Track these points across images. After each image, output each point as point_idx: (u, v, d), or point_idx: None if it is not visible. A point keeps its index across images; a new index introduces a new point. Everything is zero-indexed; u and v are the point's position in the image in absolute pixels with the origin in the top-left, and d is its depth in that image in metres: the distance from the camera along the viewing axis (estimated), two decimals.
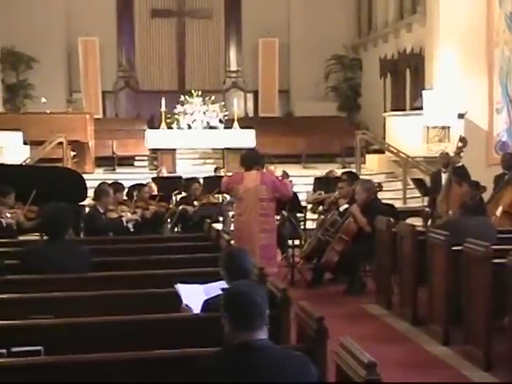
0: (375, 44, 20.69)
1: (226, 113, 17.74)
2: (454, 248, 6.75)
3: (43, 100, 17.51)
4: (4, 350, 4.15)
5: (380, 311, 8.27)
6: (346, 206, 9.66)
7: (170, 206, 10.67)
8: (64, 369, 3.75)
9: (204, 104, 17.33)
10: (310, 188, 12.52)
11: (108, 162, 18.28)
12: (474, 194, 9.58)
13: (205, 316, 4.43)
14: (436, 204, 11.15)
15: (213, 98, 18.06)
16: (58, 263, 5.65)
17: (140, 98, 22.29)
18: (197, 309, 4.62)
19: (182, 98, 17.54)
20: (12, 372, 3.74)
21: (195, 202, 10.76)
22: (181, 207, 10.19)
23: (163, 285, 5.39)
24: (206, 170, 16.73)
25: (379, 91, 19.65)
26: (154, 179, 12.31)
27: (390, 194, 14.29)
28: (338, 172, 14.94)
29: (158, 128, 17.53)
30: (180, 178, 12.45)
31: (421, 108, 16.09)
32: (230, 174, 9.18)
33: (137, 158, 19.33)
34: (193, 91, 17.70)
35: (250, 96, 22.78)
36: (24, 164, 13.93)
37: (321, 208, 12.37)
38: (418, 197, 14.83)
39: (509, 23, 15.82)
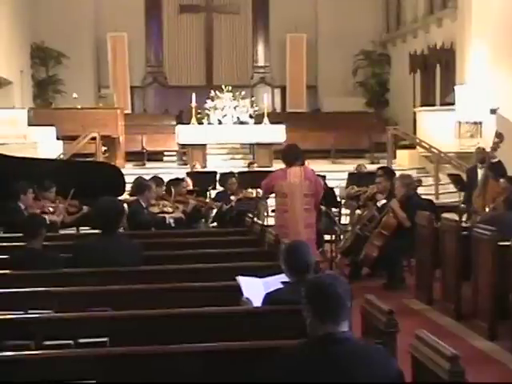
0: (404, 39, 20.64)
1: (256, 108, 17.76)
2: (500, 243, 6.75)
3: (74, 95, 17.65)
4: (71, 341, 4.23)
5: (421, 306, 8.27)
6: (384, 201, 9.66)
7: (207, 200, 10.72)
8: (130, 360, 3.79)
9: (234, 99, 17.34)
10: (339, 183, 12.51)
11: (137, 156, 18.37)
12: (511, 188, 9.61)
13: (266, 309, 4.47)
14: (472, 200, 11.15)
15: (243, 93, 18.09)
16: (110, 257, 5.70)
17: (168, 94, 22.39)
18: (257, 302, 4.66)
19: (212, 93, 17.54)
20: (79, 362, 3.79)
21: (232, 197, 10.80)
22: (220, 203, 10.22)
23: (215, 278, 5.45)
24: (236, 165, 16.83)
25: (408, 87, 19.60)
26: (188, 174, 12.36)
27: (422, 190, 14.21)
28: (368, 166, 15.01)
29: (188, 123, 17.58)
30: (214, 172, 12.50)
31: (452, 103, 16.08)
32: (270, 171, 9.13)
33: (166, 153, 19.42)
34: (223, 86, 17.70)
35: (277, 91, 22.80)
36: (63, 159, 14.02)
37: (355, 203, 12.43)
38: (450, 192, 14.83)
39: None
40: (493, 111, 15.39)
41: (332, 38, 21.76)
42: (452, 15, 17.22)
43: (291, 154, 8.52)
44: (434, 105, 17.68)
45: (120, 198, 10.40)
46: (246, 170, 13.23)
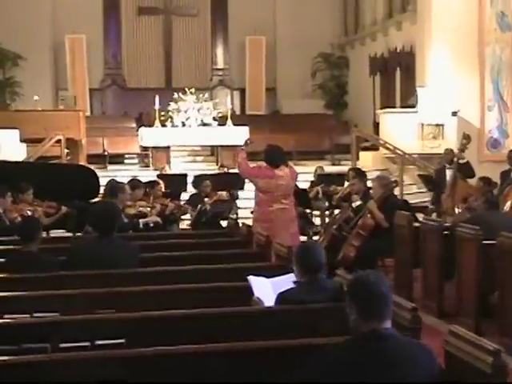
0: (363, 42, 20.87)
1: (220, 110, 17.79)
2: (484, 242, 6.91)
3: (35, 97, 17.44)
4: (88, 343, 4.23)
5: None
6: (359, 202, 9.79)
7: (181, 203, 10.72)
8: (149, 361, 3.79)
9: (197, 101, 17.35)
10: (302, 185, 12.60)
11: (99, 159, 18.20)
12: (486, 189, 9.84)
13: (280, 309, 4.52)
14: (441, 200, 11.37)
15: (206, 95, 18.12)
16: (108, 259, 5.70)
17: (127, 96, 22.23)
18: (267, 301, 4.71)
19: (175, 95, 17.52)
20: (95, 364, 3.78)
21: (206, 199, 10.81)
22: (199, 207, 10.24)
23: (213, 279, 5.49)
24: (198, 168, 16.88)
25: (368, 89, 19.81)
26: (159, 177, 12.33)
27: None
28: (329, 168, 15.17)
29: (148, 125, 17.55)
30: (185, 175, 12.49)
31: (413, 106, 16.33)
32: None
33: (126, 155, 19.32)
34: (186, 89, 17.68)
35: (236, 93, 22.83)
36: (36, 161, 13.88)
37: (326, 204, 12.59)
38: (414, 193, 15.10)
39: (500, 22, 16.12)
40: (454, 113, 15.70)
41: (291, 41, 21.89)
42: (411, 18, 17.48)
43: (277, 156, 8.65)
44: (394, 107, 17.90)
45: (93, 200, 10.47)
46: (217, 172, 13.25)
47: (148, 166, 17.88)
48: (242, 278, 5.56)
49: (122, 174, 15.30)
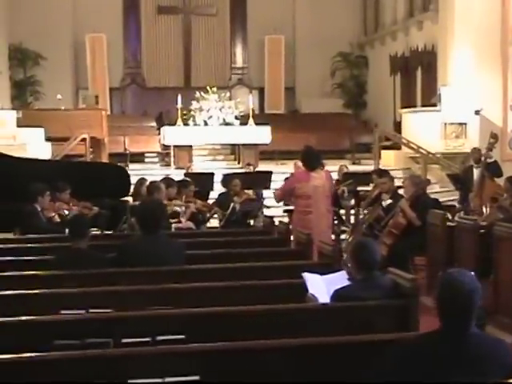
0: (382, 42, 20.89)
1: (242, 109, 17.84)
2: None
3: (59, 96, 17.55)
4: (149, 339, 4.29)
5: (434, 304, 8.41)
6: (390, 201, 9.83)
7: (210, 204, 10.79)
8: (211, 356, 3.85)
9: (219, 100, 17.41)
10: None
11: (120, 158, 18.27)
12: None
13: (336, 305, 4.58)
14: (469, 199, 11.39)
15: (228, 94, 18.19)
16: (155, 257, 5.76)
17: (146, 95, 22.35)
18: (321, 298, 4.76)
19: (197, 94, 17.58)
20: (157, 359, 3.83)
21: (235, 198, 10.86)
22: (232, 204, 10.30)
23: (257, 277, 5.54)
24: (219, 167, 16.94)
25: (388, 88, 19.85)
26: (186, 175, 12.39)
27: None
28: (350, 167, 15.17)
29: (169, 124, 17.62)
30: (212, 174, 12.54)
31: (435, 105, 16.35)
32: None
33: (146, 154, 19.41)
34: (208, 88, 17.73)
35: (255, 93, 22.86)
36: (70, 160, 14.00)
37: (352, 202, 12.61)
38: (438, 192, 15.09)
39: None
40: (477, 112, 15.71)
41: (310, 40, 21.95)
42: (433, 18, 17.50)
43: (314, 159, 8.65)
44: (415, 106, 17.92)
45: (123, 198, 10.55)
46: (246, 171, 13.30)
47: (169, 165, 17.95)
48: (288, 275, 5.65)
49: (144, 172, 15.35)
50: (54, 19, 20.77)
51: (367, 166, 16.71)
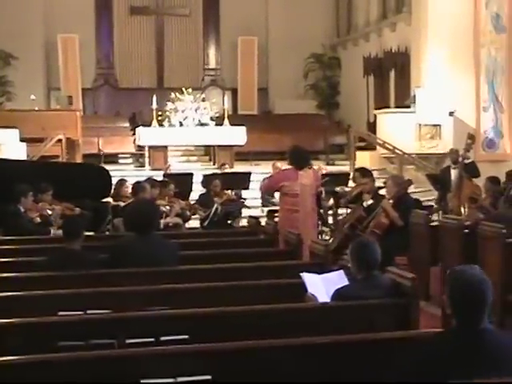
0: (355, 43, 21.02)
1: (217, 110, 17.85)
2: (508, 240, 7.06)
3: (32, 97, 17.42)
4: (153, 339, 4.29)
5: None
6: (371, 201, 9.91)
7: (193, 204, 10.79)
8: (214, 357, 3.85)
9: (195, 101, 17.41)
10: None
11: (94, 159, 18.18)
12: (494, 189, 10.00)
13: (338, 305, 4.61)
14: (447, 199, 11.53)
15: (203, 95, 18.19)
16: (148, 257, 5.76)
17: (119, 96, 22.23)
18: (320, 297, 4.80)
19: (173, 95, 17.56)
20: (168, 358, 3.83)
21: (215, 199, 10.88)
22: (215, 205, 10.32)
23: (250, 277, 5.57)
24: (193, 168, 16.92)
25: (361, 90, 19.96)
26: (166, 176, 12.37)
27: (383, 191, 14.56)
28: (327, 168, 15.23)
29: (145, 125, 17.57)
30: (191, 174, 12.53)
31: (408, 106, 16.51)
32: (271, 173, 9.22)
33: (120, 155, 19.32)
34: (183, 89, 17.72)
35: (228, 94, 22.83)
36: (51, 161, 13.91)
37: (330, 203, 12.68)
38: (414, 192, 15.21)
39: (495, 24, 16.33)
40: (451, 114, 15.90)
41: (283, 41, 21.99)
42: (406, 19, 17.65)
43: (302, 158, 8.67)
44: (388, 107, 18.05)
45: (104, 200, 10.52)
46: (220, 171, 13.30)
47: (143, 166, 17.92)
48: (282, 275, 5.69)
49: (118, 173, 15.25)
50: (26, 19, 20.57)
51: (342, 167, 16.84)
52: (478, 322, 3.16)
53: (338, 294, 4.63)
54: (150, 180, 9.67)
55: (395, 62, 18.33)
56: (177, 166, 17.34)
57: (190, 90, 17.70)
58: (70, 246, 5.75)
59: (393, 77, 18.75)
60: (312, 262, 6.17)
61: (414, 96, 15.92)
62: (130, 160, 19.16)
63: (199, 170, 15.45)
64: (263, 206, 12.67)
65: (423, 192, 14.37)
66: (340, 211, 12.58)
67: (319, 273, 5.07)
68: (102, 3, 22.05)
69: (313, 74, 22.24)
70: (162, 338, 4.28)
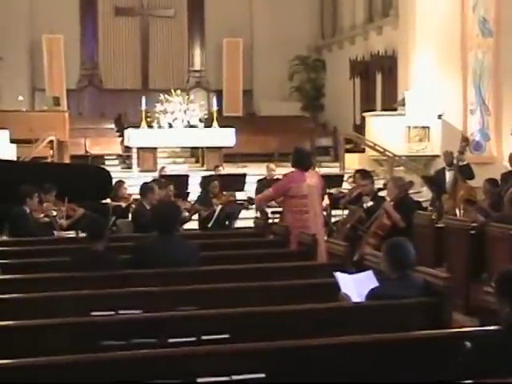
0: (341, 46, 21.13)
1: (206, 112, 17.88)
2: None
3: (20, 98, 17.34)
4: (194, 338, 4.32)
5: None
6: (371, 203, 9.97)
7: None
8: (267, 355, 3.90)
9: (184, 103, 17.42)
10: None
11: (81, 160, 18.13)
12: (492, 190, 10.13)
13: (373, 304, 4.67)
14: (441, 201, 11.64)
15: (192, 97, 18.19)
16: (170, 258, 5.78)
17: (103, 97, 22.16)
18: (353, 297, 4.85)
19: (162, 96, 17.56)
20: (202, 358, 3.86)
21: (214, 200, 10.91)
22: (220, 206, 10.35)
23: (263, 278, 5.62)
24: (183, 169, 16.98)
25: (347, 92, 20.06)
26: (162, 177, 12.37)
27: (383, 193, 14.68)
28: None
29: (132, 126, 17.57)
30: (187, 176, 12.56)
31: (395, 109, 16.65)
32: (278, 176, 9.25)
33: (106, 156, 19.26)
34: (172, 90, 17.73)
35: (213, 95, 22.82)
36: (51, 162, 13.83)
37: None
38: None
39: (482, 28, 16.51)
40: (439, 116, 16.05)
41: (268, 43, 22.04)
42: (393, 23, 17.80)
43: (307, 159, 8.70)
44: (374, 110, 18.18)
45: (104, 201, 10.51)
46: (214, 173, 13.32)
47: (130, 168, 17.90)
48: (303, 276, 5.75)
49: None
50: (10, 19, 20.41)
51: (330, 169, 16.93)
52: None
53: (373, 294, 4.69)
54: (157, 181, 9.69)
55: (382, 64, 18.47)
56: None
57: (178, 91, 17.69)
58: (94, 246, 5.76)
59: (380, 80, 18.87)
60: (331, 262, 6.23)
61: (404, 99, 16.05)
62: (117, 161, 19.12)
63: (189, 172, 15.44)
64: (257, 208, 12.69)
65: (413, 194, 14.45)
66: (333, 212, 12.72)
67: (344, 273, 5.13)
68: (86, 4, 21.96)
69: (297, 76, 22.30)
70: (204, 337, 4.32)
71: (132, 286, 5.36)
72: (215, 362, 3.71)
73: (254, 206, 10.68)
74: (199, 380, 3.59)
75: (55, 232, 8.87)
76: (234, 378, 3.65)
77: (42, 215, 8.63)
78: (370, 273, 5.06)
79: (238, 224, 11.93)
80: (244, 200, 10.89)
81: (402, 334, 4.07)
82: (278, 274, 5.95)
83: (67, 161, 16.93)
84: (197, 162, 18.78)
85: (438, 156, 15.85)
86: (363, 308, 4.70)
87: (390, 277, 4.77)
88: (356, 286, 4.96)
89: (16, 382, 3.56)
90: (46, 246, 7.53)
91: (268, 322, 4.47)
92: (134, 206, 10.31)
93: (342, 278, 4.96)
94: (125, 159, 18.71)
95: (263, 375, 3.67)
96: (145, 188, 8.78)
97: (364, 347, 3.97)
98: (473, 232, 8.01)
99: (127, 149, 18.22)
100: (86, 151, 18.28)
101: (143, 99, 16.92)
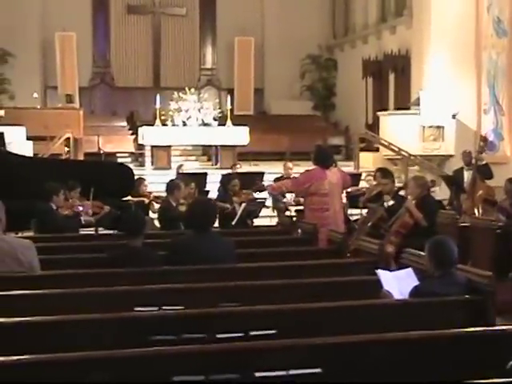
0: (353, 45, 21.16)
1: (219, 110, 17.92)
2: None
3: (35, 95, 17.39)
4: (242, 334, 4.36)
5: None
6: (392, 201, 10.01)
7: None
8: (323, 350, 3.93)
9: (198, 101, 17.47)
10: None
11: (95, 158, 18.15)
12: None
13: (415, 301, 4.71)
14: (460, 201, 11.67)
15: (206, 95, 18.23)
16: (207, 254, 5.82)
17: (115, 95, 22.22)
18: (395, 294, 4.90)
19: (176, 94, 17.60)
20: (250, 353, 3.90)
21: (234, 198, 10.95)
22: (244, 204, 10.40)
23: (296, 276, 5.66)
24: (194, 167, 17.01)
25: (359, 91, 20.08)
26: (181, 175, 12.41)
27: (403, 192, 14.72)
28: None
29: (145, 124, 17.62)
30: (205, 174, 12.60)
31: (408, 108, 16.68)
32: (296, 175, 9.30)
33: (118, 154, 19.30)
34: (186, 88, 17.78)
35: (224, 94, 22.90)
36: (74, 159, 13.89)
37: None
38: None
39: (496, 28, 16.55)
40: (453, 116, 16.08)
41: (279, 42, 22.11)
42: (407, 22, 17.82)
43: (327, 157, 8.76)
44: (387, 110, 18.21)
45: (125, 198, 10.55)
46: (231, 172, 13.37)
47: (142, 165, 17.95)
48: (335, 274, 5.79)
49: None
50: (23, 17, 20.52)
51: (344, 168, 16.93)
52: None
53: (416, 291, 4.73)
54: (183, 178, 9.72)
55: (395, 64, 18.49)
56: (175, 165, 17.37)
57: (192, 89, 17.73)
58: (132, 243, 5.79)
59: (392, 79, 18.89)
60: (365, 259, 6.26)
61: (418, 98, 16.07)
62: (129, 159, 19.14)
63: (201, 170, 15.49)
64: (273, 206, 12.71)
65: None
66: (350, 211, 12.74)
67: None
68: (99, 1, 22.05)
69: (309, 75, 22.36)
70: (252, 333, 4.36)
71: (171, 282, 5.41)
72: (271, 357, 3.74)
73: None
74: (258, 374, 3.63)
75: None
76: (291, 372, 3.68)
77: (68, 212, 8.66)
78: (409, 270, 5.10)
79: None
80: (254, 188, 10.95)
81: (452, 330, 4.10)
82: (312, 271, 5.98)
83: (81, 158, 16.99)
84: (208, 160, 18.84)
85: (452, 156, 15.92)
86: (408, 305, 4.73)
87: (433, 274, 4.81)
88: (398, 283, 5.00)
89: (65, 376, 3.58)
90: (79, 243, 7.59)
91: (313, 318, 4.52)
92: (154, 203, 10.40)
93: (383, 275, 5.00)
94: (137, 157, 18.76)
95: (319, 370, 3.70)
96: (171, 185, 8.83)
97: (416, 344, 4.01)
98: (498, 231, 8.04)
99: (140, 146, 18.26)
100: (99, 149, 18.28)
101: (157, 97, 16.96)
